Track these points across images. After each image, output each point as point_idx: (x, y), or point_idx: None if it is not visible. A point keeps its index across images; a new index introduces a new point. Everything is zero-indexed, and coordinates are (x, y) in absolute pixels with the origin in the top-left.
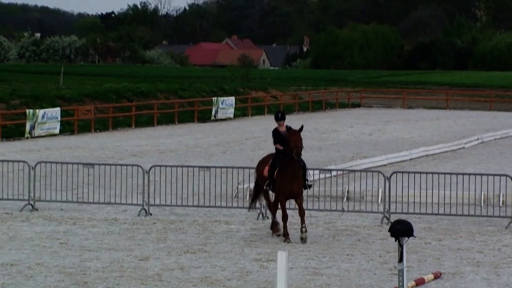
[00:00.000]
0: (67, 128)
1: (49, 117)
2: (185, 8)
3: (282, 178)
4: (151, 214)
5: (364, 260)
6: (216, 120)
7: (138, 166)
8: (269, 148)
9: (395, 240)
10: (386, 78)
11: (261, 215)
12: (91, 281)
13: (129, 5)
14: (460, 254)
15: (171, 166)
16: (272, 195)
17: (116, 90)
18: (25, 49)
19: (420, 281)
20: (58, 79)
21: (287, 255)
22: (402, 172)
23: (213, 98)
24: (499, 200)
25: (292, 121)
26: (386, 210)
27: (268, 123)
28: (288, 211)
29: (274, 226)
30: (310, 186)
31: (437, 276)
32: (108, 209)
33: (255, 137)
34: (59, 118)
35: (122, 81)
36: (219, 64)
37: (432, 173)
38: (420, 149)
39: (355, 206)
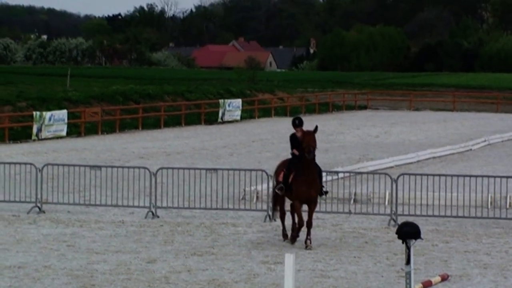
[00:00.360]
0: (74, 130)
1: (56, 119)
2: (191, 10)
3: (298, 182)
4: (158, 217)
5: (371, 262)
6: (223, 122)
7: (145, 168)
8: (276, 150)
9: (402, 242)
10: (392, 80)
11: (268, 218)
12: (99, 283)
13: (135, 7)
14: (467, 256)
15: (178, 168)
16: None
17: (123, 92)
18: (32, 51)
19: (427, 284)
20: (65, 81)
21: (295, 258)
22: (409, 174)
23: (220, 100)
24: (506, 202)
25: None
26: (393, 212)
27: (275, 125)
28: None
29: (285, 234)
30: (326, 193)
31: (444, 278)
32: (115, 211)
33: (262, 139)
34: (66, 120)
35: (129, 83)
36: (225, 66)
37: (439, 175)
38: (427, 151)
39: (362, 208)
